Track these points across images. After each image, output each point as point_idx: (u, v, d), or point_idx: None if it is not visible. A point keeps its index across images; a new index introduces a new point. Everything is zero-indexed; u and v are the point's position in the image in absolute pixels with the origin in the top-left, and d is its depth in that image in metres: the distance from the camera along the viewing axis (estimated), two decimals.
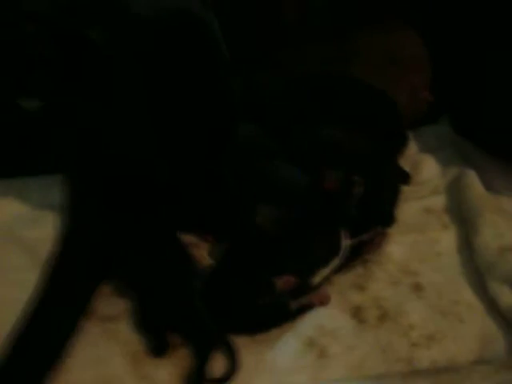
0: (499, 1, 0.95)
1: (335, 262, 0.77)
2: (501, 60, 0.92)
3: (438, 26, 1.00)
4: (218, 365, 0.72)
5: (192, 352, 0.73)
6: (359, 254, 0.80)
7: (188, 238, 0.83)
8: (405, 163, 0.95)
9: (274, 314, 0.74)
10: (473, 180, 0.90)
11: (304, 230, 0.78)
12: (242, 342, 0.73)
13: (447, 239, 0.86)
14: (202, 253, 0.83)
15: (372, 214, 0.83)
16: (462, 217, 0.88)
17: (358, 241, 0.80)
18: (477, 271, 0.81)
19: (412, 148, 0.99)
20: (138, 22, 0.67)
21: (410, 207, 0.89)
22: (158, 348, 0.73)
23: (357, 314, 0.78)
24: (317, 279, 0.75)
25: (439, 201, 0.91)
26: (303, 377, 0.72)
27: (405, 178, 0.93)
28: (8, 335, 0.73)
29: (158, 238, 0.81)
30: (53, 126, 0.82)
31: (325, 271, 0.76)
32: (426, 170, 0.96)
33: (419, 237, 0.86)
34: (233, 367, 0.71)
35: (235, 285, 0.74)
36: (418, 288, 0.80)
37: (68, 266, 0.81)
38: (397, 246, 0.84)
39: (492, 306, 0.77)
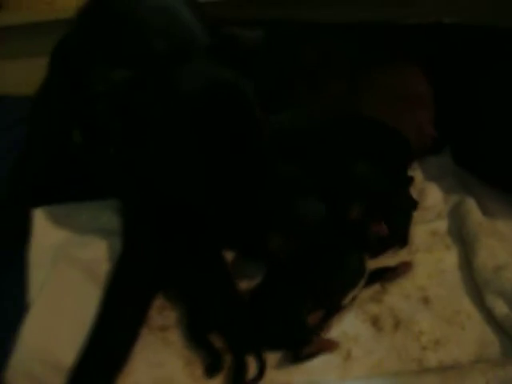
0: (493, 47, 1.06)
1: (361, 284, 0.85)
2: (497, 101, 0.99)
3: (441, 67, 1.08)
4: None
5: (233, 355, 0.81)
6: (383, 279, 0.88)
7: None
8: (412, 190, 1.02)
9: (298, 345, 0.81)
10: (472, 206, 0.98)
11: (331, 258, 0.86)
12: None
13: (450, 258, 0.94)
14: None
15: (389, 238, 0.91)
16: (463, 239, 0.95)
17: (384, 268, 0.88)
18: (476, 286, 0.88)
19: (418, 177, 1.06)
20: (187, 96, 0.77)
21: (418, 230, 0.97)
22: (213, 366, 0.80)
23: (375, 322, 0.86)
24: (346, 300, 0.84)
25: (443, 224, 0.99)
26: (333, 375, 0.81)
27: (414, 204, 1.00)
28: (73, 343, 0.80)
29: (205, 257, 0.88)
30: (101, 159, 0.90)
31: (353, 293, 0.84)
32: (431, 197, 1.03)
33: (426, 256, 0.94)
34: (262, 370, 0.80)
35: (272, 319, 0.81)
36: (426, 300, 0.88)
37: (126, 282, 0.87)
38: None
39: (489, 315, 0.85)
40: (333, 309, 0.83)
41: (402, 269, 0.90)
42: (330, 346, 0.81)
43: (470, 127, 1.01)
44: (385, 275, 0.89)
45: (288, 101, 1.03)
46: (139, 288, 0.87)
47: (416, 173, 1.06)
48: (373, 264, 0.90)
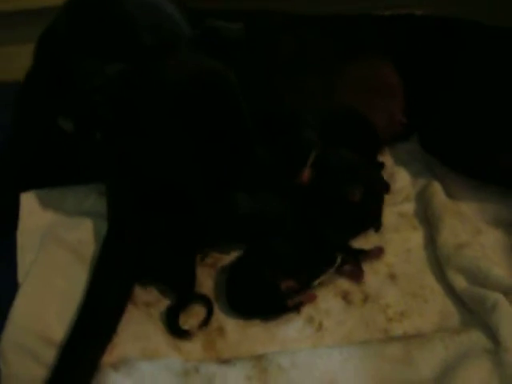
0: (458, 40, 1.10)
1: (331, 270, 0.91)
2: (461, 92, 1.03)
3: (411, 59, 1.11)
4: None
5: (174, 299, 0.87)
6: (356, 260, 0.93)
7: None
8: (383, 175, 1.07)
9: (274, 309, 0.87)
10: (437, 189, 1.02)
11: (306, 244, 0.91)
12: (256, 322, 0.88)
13: (416, 238, 0.99)
14: None
15: (364, 220, 0.96)
16: (428, 220, 1.00)
17: (358, 249, 0.93)
18: (438, 263, 0.93)
19: (388, 162, 1.10)
20: (174, 85, 0.81)
21: (387, 211, 1.01)
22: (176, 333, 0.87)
23: (345, 296, 0.91)
24: (316, 282, 0.90)
25: (410, 207, 1.03)
26: (306, 345, 0.85)
27: (386, 187, 1.05)
28: (63, 319, 0.83)
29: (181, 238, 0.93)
30: (87, 145, 0.91)
31: (322, 277, 0.90)
32: (400, 181, 1.07)
33: (394, 236, 0.98)
34: (210, 313, 0.86)
35: (250, 283, 0.87)
36: (393, 276, 0.93)
37: (112, 260, 0.90)
38: (376, 244, 0.97)
39: (450, 289, 0.90)
40: (304, 286, 0.89)
41: (375, 252, 0.95)
42: (312, 298, 0.87)
43: (437, 116, 1.04)
44: (358, 256, 0.94)
45: (266, 92, 1.06)
46: (124, 266, 0.90)
47: (386, 158, 1.11)
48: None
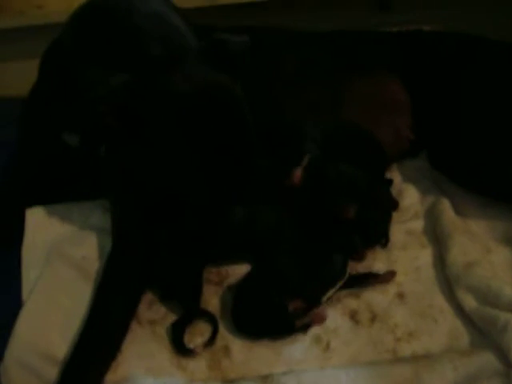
0: (468, 57, 1.09)
1: (339, 285, 0.88)
2: (472, 109, 1.02)
3: (419, 74, 1.10)
4: None
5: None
6: (364, 284, 0.92)
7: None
8: (391, 191, 1.04)
9: (282, 330, 0.86)
10: (445, 206, 1.01)
11: (317, 256, 0.90)
12: (262, 342, 0.87)
13: (425, 256, 0.97)
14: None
15: (371, 237, 0.94)
16: (437, 238, 0.98)
17: (367, 273, 0.92)
18: (448, 282, 0.92)
19: (396, 179, 1.09)
20: (182, 97, 0.81)
21: (395, 229, 1.00)
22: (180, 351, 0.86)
23: (353, 316, 0.89)
24: (324, 298, 0.88)
25: (419, 224, 1.02)
26: (313, 365, 0.84)
27: (395, 205, 1.03)
28: (66, 336, 0.83)
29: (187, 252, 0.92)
30: (92, 160, 0.92)
31: (331, 292, 0.88)
32: (408, 198, 1.06)
33: (402, 254, 0.97)
34: (215, 331, 0.85)
35: (257, 304, 0.86)
36: (401, 296, 0.92)
37: (116, 278, 0.90)
38: (383, 263, 0.96)
39: (459, 309, 0.88)
40: (312, 303, 0.87)
41: (387, 277, 0.93)
42: (321, 319, 0.85)
43: (446, 133, 1.03)
44: (366, 281, 0.92)
45: (268, 106, 1.04)
46: (129, 283, 0.89)
47: (394, 175, 1.10)
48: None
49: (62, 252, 0.95)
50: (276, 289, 0.86)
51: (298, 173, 0.93)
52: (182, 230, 0.91)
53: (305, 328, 0.86)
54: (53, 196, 1.04)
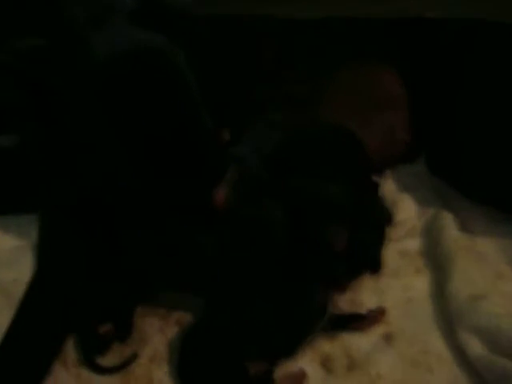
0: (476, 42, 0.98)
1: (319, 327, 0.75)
2: (480, 105, 0.91)
3: (418, 66, 1.00)
4: None
5: None
6: (349, 328, 0.79)
7: None
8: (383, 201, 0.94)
9: None
10: (448, 222, 0.89)
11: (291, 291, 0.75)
12: None
13: (420, 285, 0.85)
14: None
15: (359, 262, 0.82)
16: (436, 261, 0.87)
17: (352, 315, 0.79)
18: (447, 320, 0.80)
19: (389, 187, 0.98)
20: (106, 63, 0.71)
21: (385, 249, 0.87)
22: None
23: (325, 362, 0.76)
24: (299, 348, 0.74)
25: (414, 243, 0.90)
26: None
27: (389, 218, 0.91)
28: None
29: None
30: (28, 163, 0.84)
31: (309, 339, 0.74)
32: (403, 211, 0.94)
33: (392, 282, 0.85)
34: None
35: (208, 364, 0.72)
36: (388, 337, 0.79)
37: (37, 306, 0.80)
38: (369, 293, 0.83)
39: (461, 357, 0.76)
40: (283, 357, 0.73)
41: (375, 318, 0.79)
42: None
43: (449, 133, 0.93)
44: (352, 324, 0.79)
45: (246, 106, 0.98)
46: (53, 314, 0.79)
47: (387, 183, 0.99)
48: None
49: None
50: (234, 343, 0.71)
51: (220, 192, 0.77)
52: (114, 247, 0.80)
53: None
54: None
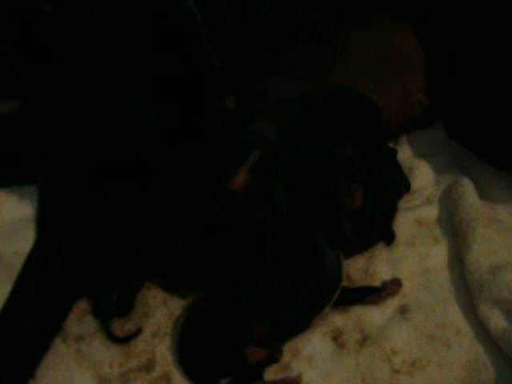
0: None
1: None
2: (501, 64, 0.87)
3: (435, 24, 0.96)
4: None
5: None
6: (364, 302, 0.76)
7: None
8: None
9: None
10: (467, 189, 0.87)
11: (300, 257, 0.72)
12: None
13: (437, 255, 0.82)
14: None
15: (370, 232, 0.79)
16: (455, 230, 0.84)
17: (367, 287, 0.77)
18: (467, 291, 0.77)
19: (405, 153, 0.95)
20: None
21: (401, 218, 0.85)
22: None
23: (336, 337, 0.74)
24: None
25: (432, 211, 0.88)
26: None
27: (406, 186, 0.89)
28: None
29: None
30: (27, 131, 0.83)
31: (324, 311, 0.72)
32: (420, 178, 0.92)
33: (408, 251, 0.82)
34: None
35: (208, 344, 0.70)
36: (403, 309, 0.77)
37: (37, 279, 0.79)
38: (383, 263, 0.80)
39: (482, 330, 0.74)
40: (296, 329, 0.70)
41: (392, 289, 0.76)
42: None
43: (468, 95, 0.91)
44: (367, 297, 0.76)
45: (249, 65, 0.94)
46: (54, 287, 0.78)
47: (403, 149, 0.96)
48: None
49: None
50: (239, 321, 0.69)
51: (241, 176, 0.74)
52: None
53: None
54: None
